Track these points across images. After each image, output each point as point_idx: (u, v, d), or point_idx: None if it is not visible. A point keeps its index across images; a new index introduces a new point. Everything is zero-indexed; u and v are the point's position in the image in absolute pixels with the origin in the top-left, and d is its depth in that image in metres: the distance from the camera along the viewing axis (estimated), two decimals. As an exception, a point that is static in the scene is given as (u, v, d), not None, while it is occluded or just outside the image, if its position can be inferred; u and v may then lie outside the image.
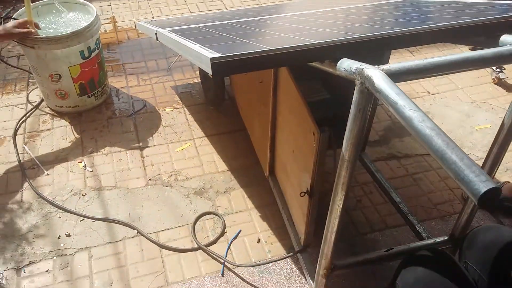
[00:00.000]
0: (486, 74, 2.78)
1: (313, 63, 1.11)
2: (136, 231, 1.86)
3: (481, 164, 1.39)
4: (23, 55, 2.67)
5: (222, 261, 1.76)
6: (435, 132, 0.77)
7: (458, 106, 2.57)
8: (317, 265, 1.45)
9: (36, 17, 2.24)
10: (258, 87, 1.82)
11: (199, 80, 2.68)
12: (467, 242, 1.27)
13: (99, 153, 2.21)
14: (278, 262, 1.76)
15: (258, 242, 1.84)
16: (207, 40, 1.30)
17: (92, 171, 2.12)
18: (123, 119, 2.41)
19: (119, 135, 2.31)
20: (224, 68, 0.99)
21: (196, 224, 1.89)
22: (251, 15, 2.06)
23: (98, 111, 2.44)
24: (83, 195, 2.00)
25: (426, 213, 1.96)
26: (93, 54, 2.25)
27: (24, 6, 2.04)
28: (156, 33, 1.76)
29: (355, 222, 1.92)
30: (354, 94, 1.00)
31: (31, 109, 2.42)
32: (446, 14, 1.42)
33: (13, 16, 2.16)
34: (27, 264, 1.72)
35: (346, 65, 1.02)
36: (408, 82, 2.75)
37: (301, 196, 1.48)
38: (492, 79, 2.73)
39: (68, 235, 1.83)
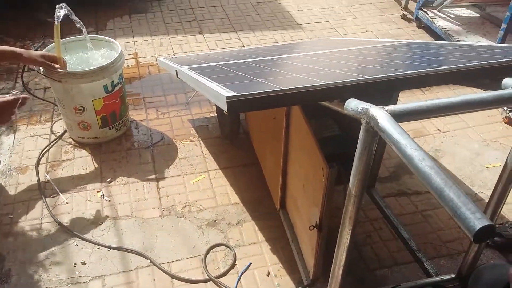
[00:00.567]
0: (496, 113, 2.82)
1: (322, 102, 1.18)
2: (149, 261, 1.90)
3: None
4: (49, 87, 2.81)
5: (233, 293, 1.79)
6: (434, 171, 0.82)
7: (469, 144, 2.60)
8: (326, 299, 1.48)
9: (64, 52, 2.37)
10: (272, 123, 1.89)
11: (216, 115, 2.78)
12: (473, 279, 1.29)
13: (117, 183, 2.29)
14: (288, 295, 1.78)
15: (268, 275, 1.86)
16: (224, 79, 1.38)
17: (109, 200, 2.19)
18: (141, 151, 2.49)
19: (137, 166, 2.39)
20: (239, 106, 1.06)
21: (208, 255, 1.93)
22: (267, 54, 2.16)
23: (118, 142, 2.54)
24: (100, 224, 2.07)
25: (435, 251, 1.97)
26: (116, 88, 2.37)
27: (53, 41, 2.18)
28: (176, 71, 1.86)
29: (365, 257, 1.94)
30: (360, 133, 1.06)
31: (54, 140, 2.53)
32: (453, 57, 1.48)
33: (43, 51, 2.29)
34: (44, 290, 1.78)
35: (353, 105, 1.08)
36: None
37: (310, 230, 1.52)
38: (503, 118, 2.76)
39: (84, 263, 1.89)
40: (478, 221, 0.73)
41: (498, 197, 1.38)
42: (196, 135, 2.63)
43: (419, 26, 3.78)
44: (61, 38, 2.20)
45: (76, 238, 1.99)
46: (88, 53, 2.43)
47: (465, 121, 2.77)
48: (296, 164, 1.69)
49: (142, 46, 3.44)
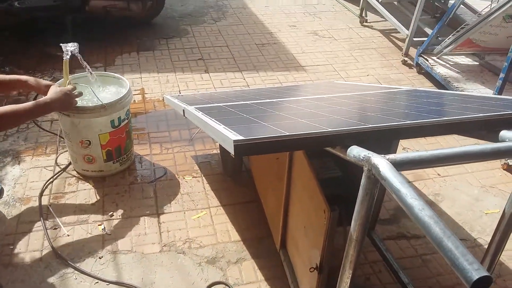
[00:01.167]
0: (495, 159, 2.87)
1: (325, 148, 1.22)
2: (148, 297, 1.90)
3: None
4: (57, 120, 2.87)
5: (230, 333, 1.77)
6: (433, 221, 0.85)
7: (468, 190, 2.63)
8: None
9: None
10: (274, 163, 1.93)
11: (219, 151, 2.82)
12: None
13: (118, 217, 2.30)
14: (286, 337, 1.76)
15: (266, 315, 1.86)
16: (231, 121, 1.43)
17: (110, 234, 2.20)
18: (144, 185, 2.52)
19: (139, 201, 2.41)
20: (245, 149, 1.11)
21: (207, 293, 1.93)
22: (271, 95, 2.22)
23: (122, 176, 2.57)
24: (100, 258, 2.07)
25: (435, 296, 1.97)
26: (122, 124, 2.42)
27: (62, 75, 2.25)
28: (183, 110, 1.91)
29: (364, 301, 1.93)
30: (362, 179, 1.10)
31: (59, 172, 2.56)
32: (452, 108, 1.54)
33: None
34: (41, 324, 1.76)
35: (355, 152, 1.13)
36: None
37: (311, 272, 1.53)
38: (501, 164, 2.81)
39: (82, 297, 1.88)
40: (475, 272, 0.75)
41: (497, 245, 1.40)
42: (199, 171, 2.67)
43: (419, 72, 3.88)
44: (71, 73, 2.28)
45: (76, 271, 1.99)
46: (96, 89, 2.49)
47: (464, 167, 2.81)
48: (297, 204, 1.72)
49: (149, 82, 3.53)
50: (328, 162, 2.22)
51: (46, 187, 2.45)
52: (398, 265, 2.02)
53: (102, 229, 2.23)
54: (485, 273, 0.75)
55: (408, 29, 3.96)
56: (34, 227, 2.22)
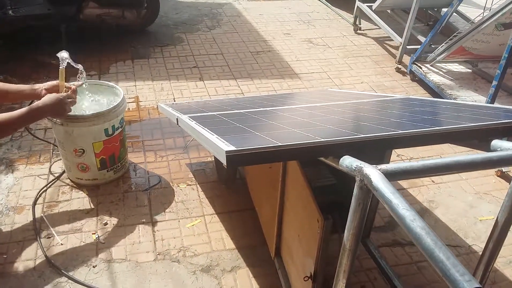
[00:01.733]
0: (489, 166, 2.88)
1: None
2: (142, 307, 1.89)
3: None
4: (50, 128, 2.86)
5: None
6: (425, 232, 0.86)
7: (462, 196, 2.64)
8: None
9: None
10: (268, 171, 1.93)
11: (213, 159, 2.82)
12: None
13: (112, 225, 2.29)
14: None
15: (261, 324, 1.85)
16: (224, 131, 1.44)
17: (104, 243, 2.19)
18: (139, 194, 2.52)
19: (133, 209, 2.41)
20: (238, 160, 1.11)
21: (201, 303, 1.92)
22: (265, 104, 2.23)
23: (116, 184, 2.56)
24: (94, 267, 2.06)
25: (429, 304, 1.97)
26: (116, 132, 2.42)
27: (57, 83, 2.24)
28: (177, 119, 1.91)
29: (359, 309, 1.93)
30: (354, 189, 1.11)
31: (52, 180, 2.55)
32: (445, 117, 1.55)
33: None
34: (33, 335, 1.75)
35: (348, 162, 1.13)
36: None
37: (305, 281, 1.53)
38: (495, 171, 2.82)
39: (76, 307, 1.87)
40: (467, 284, 0.76)
41: (491, 252, 1.40)
42: (194, 179, 2.67)
43: (412, 79, 3.91)
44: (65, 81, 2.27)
45: (69, 280, 1.98)
46: (92, 98, 2.49)
47: (459, 174, 2.82)
48: (291, 213, 1.72)
49: (144, 90, 3.53)
50: (322, 170, 2.23)
51: (39, 196, 2.44)
52: (393, 273, 2.02)
53: (96, 237, 2.22)
54: (477, 285, 0.76)
55: (401, 37, 3.99)
56: (28, 236, 2.20)
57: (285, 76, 3.88)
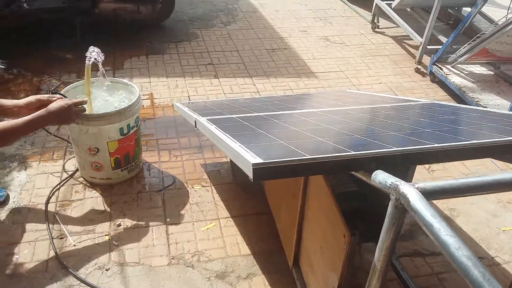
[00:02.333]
0: (512, 174, 2.79)
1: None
2: (156, 313, 1.84)
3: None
4: (64, 125, 2.82)
5: None
6: (472, 262, 0.79)
7: (484, 205, 2.56)
8: None
9: (82, 93, 2.38)
10: (289, 179, 1.87)
11: (228, 160, 2.76)
12: None
13: (126, 227, 2.25)
14: None
15: (277, 335, 1.80)
16: (246, 138, 1.38)
17: (117, 245, 2.15)
18: (152, 194, 2.47)
19: (147, 210, 2.36)
20: (264, 173, 1.05)
21: (216, 311, 1.87)
22: (284, 106, 2.16)
23: (129, 184, 2.52)
24: (107, 270, 2.02)
25: (452, 319, 1.90)
26: (131, 131, 2.37)
27: (72, 82, 2.19)
28: (195, 121, 1.85)
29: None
30: (388, 208, 1.04)
31: (66, 178, 2.51)
32: (481, 128, 1.47)
33: (61, 92, 2.30)
34: None
35: (381, 178, 1.07)
36: (434, 175, 2.77)
37: (327, 295, 1.47)
38: (519, 179, 2.73)
39: (88, 311, 1.83)
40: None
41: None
42: (208, 180, 2.61)
43: (432, 80, 3.81)
44: (80, 78, 2.23)
45: (82, 284, 1.94)
46: (106, 96, 2.44)
47: (480, 180, 2.73)
48: (313, 223, 1.65)
49: (158, 87, 3.48)
50: (343, 177, 2.16)
51: (52, 194, 2.41)
52: (414, 285, 1.95)
53: (110, 239, 2.18)
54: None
55: (421, 37, 3.89)
56: (40, 236, 2.17)
57: (302, 75, 3.80)
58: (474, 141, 1.21)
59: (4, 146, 2.32)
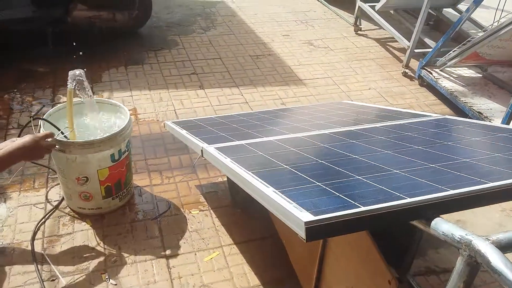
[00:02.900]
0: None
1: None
2: None
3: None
4: (44, 148, 2.59)
5: None
6: None
7: (489, 214, 2.52)
8: None
9: (63, 118, 2.17)
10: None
11: (224, 179, 2.61)
12: None
13: (123, 262, 2.07)
14: None
15: None
16: (274, 177, 1.23)
17: (116, 284, 1.97)
18: (148, 223, 2.29)
19: (144, 242, 2.19)
20: (320, 233, 0.92)
21: None
22: (298, 127, 2.02)
23: (122, 213, 2.33)
24: (107, 314, 1.84)
25: None
26: (123, 157, 2.19)
27: (46, 98, 1.99)
28: (202, 150, 1.70)
29: None
30: (457, 264, 0.93)
31: (51, 210, 2.30)
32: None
33: (44, 117, 2.09)
34: None
35: (446, 229, 0.96)
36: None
37: None
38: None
39: None
40: None
41: None
42: (206, 203, 2.46)
43: (421, 84, 3.77)
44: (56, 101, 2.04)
45: (80, 333, 1.76)
46: (90, 119, 2.24)
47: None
48: (341, 259, 1.53)
49: (141, 101, 3.28)
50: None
51: (38, 229, 2.19)
52: (436, 310, 1.87)
53: (106, 278, 1.99)
54: None
55: (407, 40, 3.84)
56: (29, 279, 1.96)
57: (290, 83, 3.68)
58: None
59: None
